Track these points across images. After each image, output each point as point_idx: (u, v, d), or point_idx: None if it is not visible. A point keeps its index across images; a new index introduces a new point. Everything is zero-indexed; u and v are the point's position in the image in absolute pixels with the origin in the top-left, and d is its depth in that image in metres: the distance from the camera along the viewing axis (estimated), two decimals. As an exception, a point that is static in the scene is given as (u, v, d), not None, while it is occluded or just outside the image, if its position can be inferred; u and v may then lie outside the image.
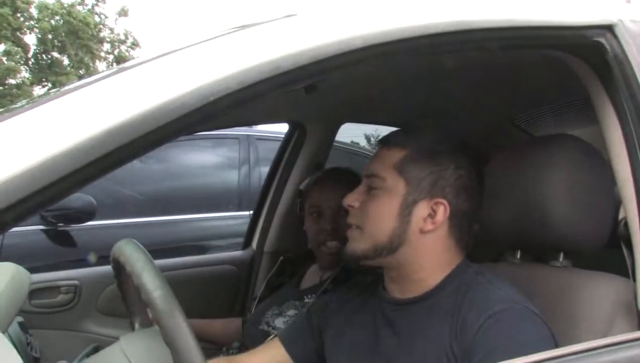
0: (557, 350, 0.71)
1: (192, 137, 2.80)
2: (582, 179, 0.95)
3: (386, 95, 1.48)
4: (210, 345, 1.61)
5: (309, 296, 1.40)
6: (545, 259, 1.02)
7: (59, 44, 17.60)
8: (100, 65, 18.75)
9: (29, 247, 2.52)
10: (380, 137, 1.03)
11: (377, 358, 0.93)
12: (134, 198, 2.97)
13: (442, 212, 0.91)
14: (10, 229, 0.57)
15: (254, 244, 2.00)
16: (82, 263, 2.00)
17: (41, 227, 2.57)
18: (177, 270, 1.89)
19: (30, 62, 17.65)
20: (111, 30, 19.41)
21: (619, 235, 0.86)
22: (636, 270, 0.81)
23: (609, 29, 0.83)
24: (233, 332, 1.64)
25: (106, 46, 19.47)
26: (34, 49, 17.65)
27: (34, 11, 16.90)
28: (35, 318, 1.63)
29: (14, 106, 0.76)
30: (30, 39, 17.49)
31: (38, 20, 16.88)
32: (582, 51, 0.85)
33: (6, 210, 0.54)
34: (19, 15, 16.41)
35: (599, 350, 0.70)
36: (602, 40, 0.82)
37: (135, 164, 2.83)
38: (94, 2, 18.41)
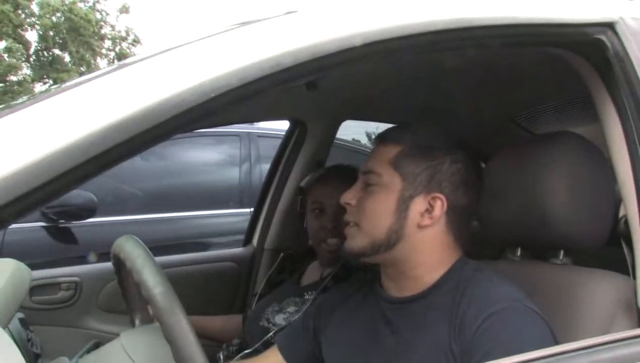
0: (556, 347, 0.71)
1: (193, 134, 2.81)
2: (583, 176, 0.95)
3: (387, 93, 1.48)
4: (210, 341, 1.61)
5: (309, 293, 1.40)
6: (546, 257, 1.02)
7: (60, 41, 17.59)
8: (102, 62, 18.75)
9: (30, 244, 2.53)
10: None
11: (376, 358, 0.92)
12: (135, 196, 2.97)
13: (440, 206, 0.91)
14: (10, 225, 0.57)
15: (255, 241, 2.00)
16: (83, 260, 2.00)
17: (42, 223, 2.58)
18: (178, 267, 1.90)
19: (31, 59, 17.64)
20: (112, 27, 19.39)
21: (619, 233, 0.86)
22: (636, 267, 0.81)
23: (610, 26, 0.83)
24: (233, 329, 1.64)
25: (107, 43, 19.46)
26: (35, 46, 17.64)
27: (35, 8, 16.89)
28: (36, 314, 1.64)
29: (14, 102, 0.76)
30: (32, 36, 17.51)
31: (39, 17, 16.85)
32: (583, 49, 0.85)
33: (6, 206, 0.54)
34: (20, 11, 16.40)
35: (598, 348, 0.70)
36: (603, 37, 0.82)
37: (137, 161, 2.83)
38: (95, -1, 18.43)
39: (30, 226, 2.53)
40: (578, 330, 0.87)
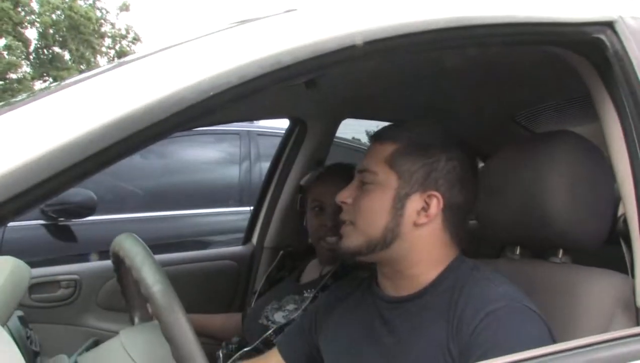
0: (555, 345, 0.71)
1: (193, 132, 2.81)
2: (582, 175, 0.95)
3: (387, 92, 1.48)
4: (210, 340, 1.62)
5: (309, 290, 1.40)
6: (545, 255, 1.02)
7: (60, 39, 17.57)
8: (102, 60, 18.72)
9: (30, 242, 2.53)
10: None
11: (374, 357, 0.92)
12: (135, 194, 2.97)
13: (436, 204, 0.90)
14: (9, 222, 0.57)
15: (254, 240, 2.00)
16: (82, 257, 2.01)
17: (41, 221, 2.58)
18: (178, 265, 1.90)
19: (31, 57, 17.63)
20: (112, 25, 19.38)
21: (618, 232, 0.87)
22: (635, 266, 0.81)
23: (609, 25, 0.83)
24: (233, 327, 1.64)
25: (107, 41, 19.45)
26: (35, 44, 17.62)
27: (35, 5, 16.87)
28: (35, 312, 1.64)
29: (14, 100, 0.76)
30: (32, 34, 17.50)
31: (39, 14, 16.83)
32: (582, 48, 0.85)
33: (5, 203, 0.54)
34: (20, 9, 16.38)
35: (597, 346, 0.70)
36: (602, 36, 0.82)
37: (136, 159, 2.83)
38: (95, -3, 18.40)
39: (29, 224, 2.53)
40: (577, 328, 0.87)
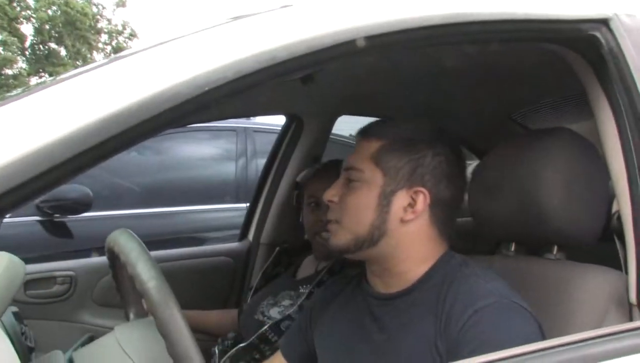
0: (548, 341, 0.71)
1: (189, 128, 2.80)
2: (577, 172, 0.95)
3: (384, 89, 1.48)
4: (205, 336, 1.62)
5: (304, 286, 1.40)
6: (540, 252, 1.02)
7: (56, 35, 17.49)
8: (98, 57, 18.65)
9: (25, 238, 2.52)
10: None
11: (365, 354, 0.92)
12: (131, 190, 2.97)
13: (422, 200, 0.90)
14: (5, 215, 0.57)
15: (251, 236, 2.00)
16: (78, 254, 2.00)
17: (37, 217, 2.57)
18: (174, 262, 1.90)
19: (27, 53, 17.55)
20: (109, 21, 19.30)
21: (613, 229, 0.87)
22: (628, 263, 0.82)
23: (604, 22, 0.83)
24: (229, 324, 1.64)
25: (104, 37, 19.36)
26: (31, 40, 17.53)
27: (31, 1, 16.78)
28: (30, 308, 1.64)
29: (9, 95, 0.76)
30: (27, 29, 17.40)
31: (35, 10, 16.74)
32: (578, 45, 0.85)
33: (2, 196, 0.54)
34: (15, 4, 16.30)
35: (590, 342, 0.70)
36: (597, 34, 0.82)
37: (132, 155, 2.83)
38: (92, -7, 18.32)
39: (25, 220, 2.52)
40: (571, 324, 0.87)
